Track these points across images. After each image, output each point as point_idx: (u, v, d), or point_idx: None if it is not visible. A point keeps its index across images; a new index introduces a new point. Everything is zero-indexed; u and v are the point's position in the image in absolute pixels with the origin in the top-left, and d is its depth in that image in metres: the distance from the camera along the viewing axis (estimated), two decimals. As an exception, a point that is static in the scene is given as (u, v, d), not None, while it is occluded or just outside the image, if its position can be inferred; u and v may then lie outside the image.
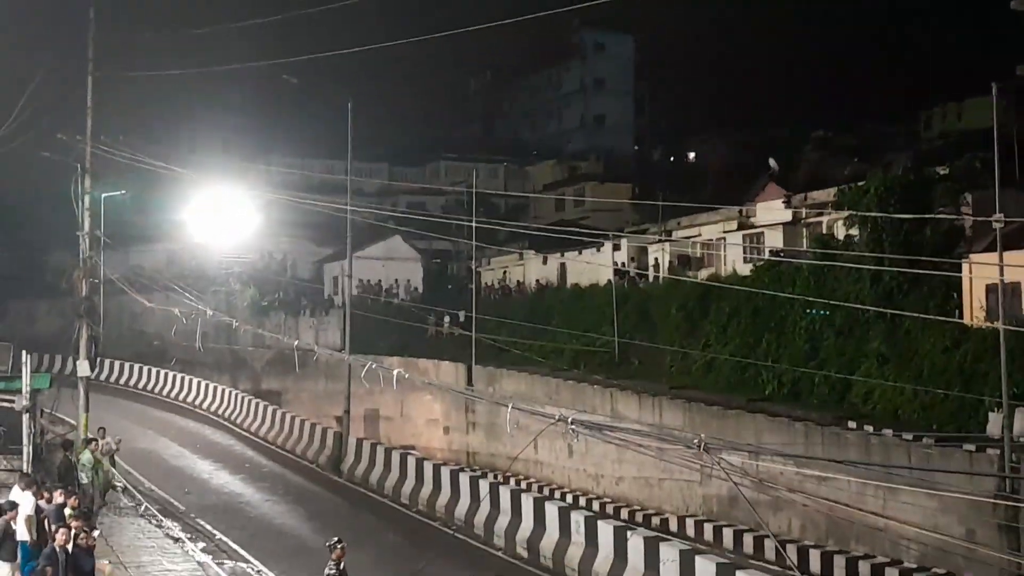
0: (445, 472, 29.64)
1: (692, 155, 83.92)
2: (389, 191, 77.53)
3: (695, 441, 13.34)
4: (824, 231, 38.92)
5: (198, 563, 22.23)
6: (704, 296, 39.49)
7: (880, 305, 30.37)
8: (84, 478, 23.95)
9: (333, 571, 15.72)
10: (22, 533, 17.21)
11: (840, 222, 36.28)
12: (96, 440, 25.85)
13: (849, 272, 32.78)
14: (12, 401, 22.98)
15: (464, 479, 28.55)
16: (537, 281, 54.21)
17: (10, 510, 16.95)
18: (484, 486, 27.63)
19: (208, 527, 26.58)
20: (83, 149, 27.89)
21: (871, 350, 31.83)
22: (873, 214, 31.50)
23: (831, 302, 32.62)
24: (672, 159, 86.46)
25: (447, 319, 50.35)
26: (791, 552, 27.17)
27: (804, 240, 40.97)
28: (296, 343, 28.07)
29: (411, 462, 31.43)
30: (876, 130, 62.50)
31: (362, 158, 67.75)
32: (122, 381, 53.69)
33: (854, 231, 34.47)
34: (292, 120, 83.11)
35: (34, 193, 58.84)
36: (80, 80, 28.40)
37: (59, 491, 19.01)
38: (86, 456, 24.40)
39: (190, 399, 48.79)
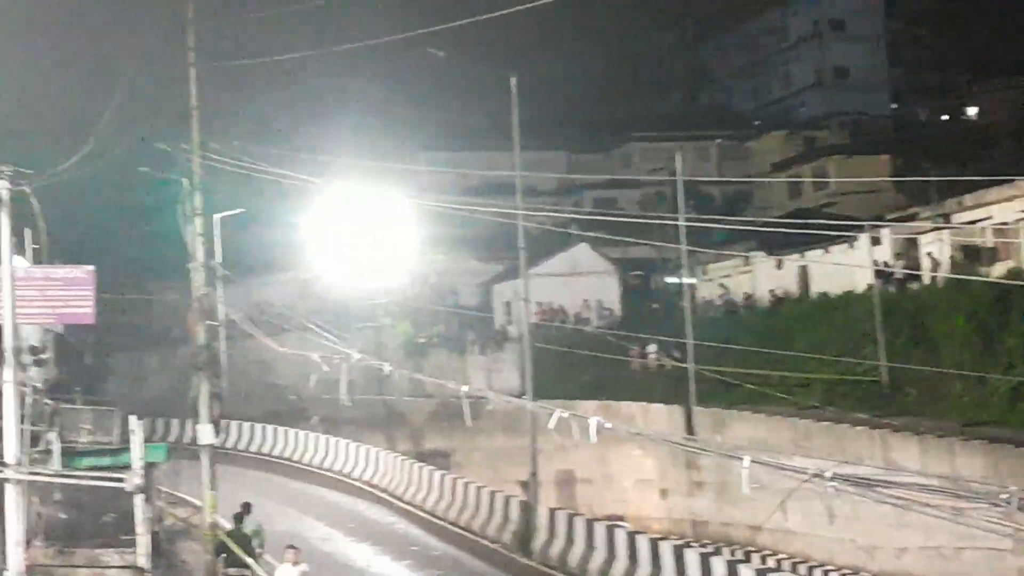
0: (666, 548, 29.62)
1: (973, 111, 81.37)
2: (570, 187, 78.14)
3: (1004, 496, 13.05)
4: None
5: None
6: (1002, 300, 38.28)
7: None
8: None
9: None
10: None
11: None
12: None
13: None
14: (121, 480, 23.44)
15: (692, 558, 28.46)
16: (771, 292, 53.54)
17: None
18: (719, 567, 27.42)
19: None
20: (189, 160, 28.97)
21: None
22: None
23: None
24: (945, 119, 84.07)
25: (652, 348, 50.17)
26: None
27: None
28: (464, 389, 28.32)
29: (620, 537, 31.50)
30: None
31: (533, 147, 68.39)
32: (253, 448, 55.24)
33: None
34: (440, 108, 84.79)
35: (134, 220, 61.62)
36: (181, 79, 29.60)
37: None
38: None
39: (337, 466, 50.00)
